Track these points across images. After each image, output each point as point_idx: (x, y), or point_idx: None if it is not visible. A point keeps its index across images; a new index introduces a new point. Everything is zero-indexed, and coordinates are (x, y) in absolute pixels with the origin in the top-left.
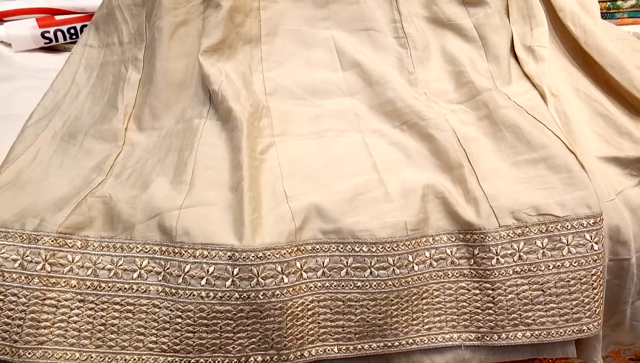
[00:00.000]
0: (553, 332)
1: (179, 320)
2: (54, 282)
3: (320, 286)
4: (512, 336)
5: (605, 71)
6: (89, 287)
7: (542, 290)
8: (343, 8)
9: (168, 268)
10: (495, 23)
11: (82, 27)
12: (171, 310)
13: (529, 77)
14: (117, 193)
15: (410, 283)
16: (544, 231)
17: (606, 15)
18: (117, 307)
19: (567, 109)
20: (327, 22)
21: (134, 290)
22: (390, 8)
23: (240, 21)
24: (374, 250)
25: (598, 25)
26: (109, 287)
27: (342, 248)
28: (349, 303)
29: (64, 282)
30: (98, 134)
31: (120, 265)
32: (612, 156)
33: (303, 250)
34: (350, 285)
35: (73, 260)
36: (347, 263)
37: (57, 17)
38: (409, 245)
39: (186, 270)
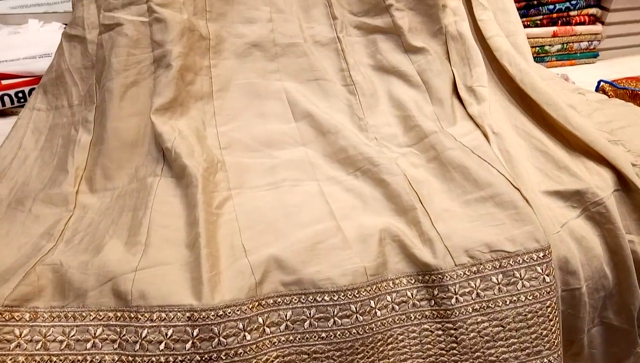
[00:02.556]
0: None
1: None
2: None
3: (284, 340)
4: None
5: (542, 108)
6: (39, 362)
7: (502, 326)
8: (292, 60)
9: (124, 335)
10: (436, 68)
11: (30, 91)
12: None
13: (472, 117)
14: (68, 260)
15: (374, 329)
16: (497, 267)
17: (536, 59)
18: None
19: (509, 146)
20: (277, 74)
21: (87, 362)
22: (337, 58)
23: (191, 79)
24: (335, 298)
25: (531, 66)
26: (60, 360)
27: (304, 299)
28: (314, 355)
29: (11, 359)
30: (47, 199)
31: (73, 335)
32: (553, 190)
33: (264, 304)
34: (315, 336)
35: (21, 335)
36: (310, 314)
37: (4, 82)
38: (370, 290)
39: (143, 335)
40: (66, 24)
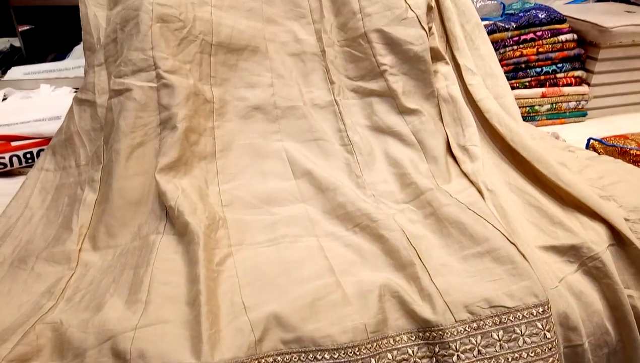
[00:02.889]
0: None
1: None
2: None
3: None
4: None
5: (533, 166)
6: None
7: None
8: (292, 122)
9: None
10: (430, 128)
11: (38, 152)
12: None
13: (466, 174)
14: (69, 318)
15: None
16: (497, 323)
17: (527, 118)
18: None
19: (503, 202)
20: (278, 134)
21: None
22: (335, 119)
23: (195, 140)
24: (336, 356)
25: (520, 126)
26: None
27: (304, 357)
28: None
29: None
30: (50, 257)
31: None
32: (549, 245)
33: None
34: None
35: None
36: None
37: (14, 143)
38: (370, 348)
39: None
40: (76, 89)
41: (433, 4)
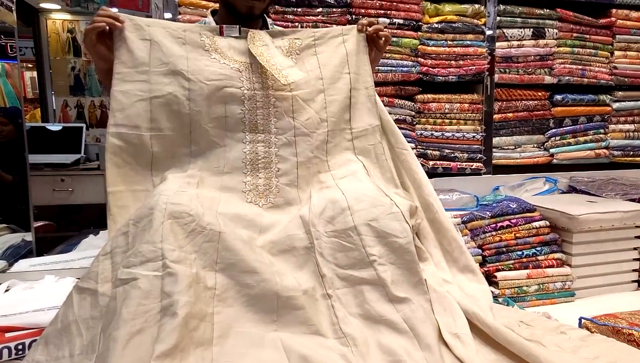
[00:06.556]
0: None
1: None
2: None
3: None
4: None
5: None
6: None
7: None
8: (289, 312)
9: None
10: (420, 316)
11: (30, 342)
12: None
13: (460, 360)
14: None
15: None
16: None
17: (517, 299)
18: None
19: None
20: (274, 324)
21: None
22: (328, 313)
23: (195, 326)
24: None
25: (497, 321)
26: None
27: None
28: None
29: None
30: None
31: None
32: None
33: None
34: None
35: None
36: None
37: (8, 334)
38: None
39: None
40: (79, 278)
41: (415, 203)
